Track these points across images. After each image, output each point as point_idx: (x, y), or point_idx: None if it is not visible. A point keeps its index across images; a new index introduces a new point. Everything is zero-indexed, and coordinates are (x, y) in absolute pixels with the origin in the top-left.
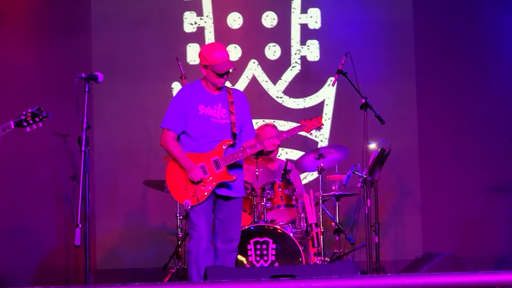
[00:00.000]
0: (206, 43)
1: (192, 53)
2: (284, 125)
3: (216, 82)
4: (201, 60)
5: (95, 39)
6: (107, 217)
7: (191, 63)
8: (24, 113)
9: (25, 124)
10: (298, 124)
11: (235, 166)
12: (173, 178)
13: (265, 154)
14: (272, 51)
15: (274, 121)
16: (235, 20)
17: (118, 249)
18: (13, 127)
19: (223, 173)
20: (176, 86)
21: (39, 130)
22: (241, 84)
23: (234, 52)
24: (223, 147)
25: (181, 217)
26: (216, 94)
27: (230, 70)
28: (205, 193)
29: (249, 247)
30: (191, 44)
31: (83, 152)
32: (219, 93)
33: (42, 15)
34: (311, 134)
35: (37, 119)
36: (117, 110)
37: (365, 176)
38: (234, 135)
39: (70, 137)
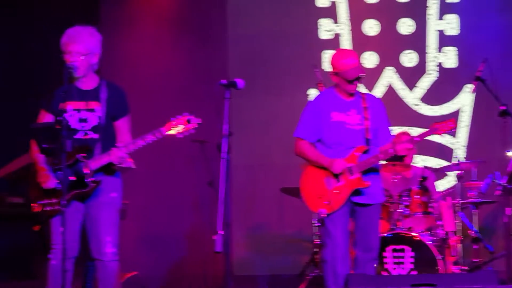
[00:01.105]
0: None
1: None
2: (420, 133)
3: (347, 88)
4: (331, 68)
5: (232, 47)
6: (243, 224)
7: (327, 70)
8: (174, 119)
9: (176, 130)
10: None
11: (370, 171)
12: (308, 187)
13: (398, 160)
14: (409, 58)
15: (410, 129)
16: (371, 27)
17: (254, 256)
18: (164, 133)
19: (357, 180)
20: (312, 93)
21: (177, 137)
22: (378, 92)
23: (371, 59)
24: (357, 153)
25: (317, 224)
26: (349, 100)
27: (361, 76)
28: (340, 201)
29: (385, 254)
30: (327, 51)
31: (223, 159)
32: (352, 99)
33: (181, 23)
34: (449, 133)
35: (188, 125)
36: (253, 116)
37: (504, 184)
38: (367, 141)
39: (207, 143)
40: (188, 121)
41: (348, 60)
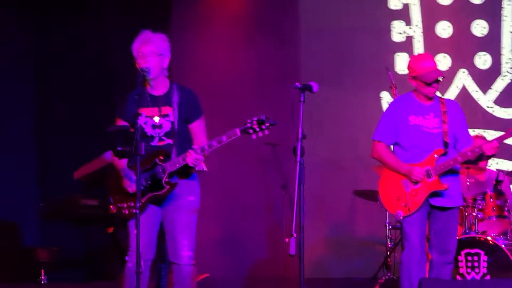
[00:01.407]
0: (415, 52)
1: (401, 63)
2: (494, 135)
3: (426, 92)
4: (409, 72)
5: (304, 50)
6: (315, 227)
7: (400, 72)
8: (249, 120)
9: (251, 131)
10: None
11: (449, 173)
12: (386, 189)
13: (472, 163)
14: (483, 60)
15: (484, 131)
16: (444, 29)
17: (326, 259)
18: (239, 134)
19: (434, 182)
20: (385, 96)
21: (248, 139)
22: (451, 94)
23: (444, 61)
24: (435, 156)
25: (390, 227)
26: (428, 104)
27: (440, 79)
28: (417, 203)
29: (460, 258)
30: (399, 54)
31: (298, 162)
32: (431, 103)
33: (253, 24)
34: None
35: (263, 127)
36: (326, 119)
37: None
38: (446, 144)
39: (280, 146)
40: (263, 122)
41: (426, 63)
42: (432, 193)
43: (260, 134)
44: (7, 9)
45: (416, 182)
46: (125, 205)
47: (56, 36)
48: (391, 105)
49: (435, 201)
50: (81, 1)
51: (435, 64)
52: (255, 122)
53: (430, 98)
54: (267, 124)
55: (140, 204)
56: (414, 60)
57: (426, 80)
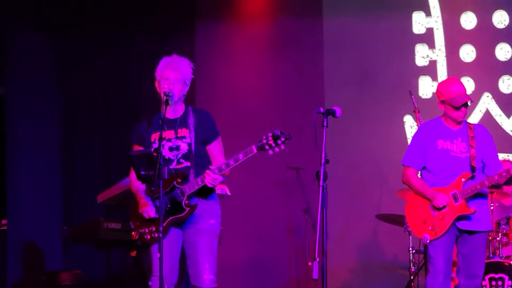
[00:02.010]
0: (438, 76)
1: (424, 87)
2: None
3: (454, 116)
4: (438, 96)
5: (327, 74)
6: (338, 251)
7: (423, 96)
8: (264, 136)
9: (267, 147)
10: None
11: (476, 197)
12: (413, 212)
13: (496, 187)
14: (506, 84)
15: (508, 155)
16: (468, 53)
17: (349, 283)
18: (255, 151)
19: (461, 206)
20: (408, 120)
21: (271, 163)
22: (474, 118)
23: (467, 85)
24: (462, 180)
25: (413, 251)
26: (456, 129)
27: (468, 103)
28: (444, 227)
29: (484, 283)
30: (423, 77)
31: (321, 187)
32: (459, 127)
33: (276, 48)
34: None
35: (279, 142)
36: (349, 143)
37: None
38: (473, 169)
39: (303, 170)
40: (278, 137)
41: (454, 87)
42: (460, 216)
43: (277, 149)
44: (28, 45)
45: (439, 208)
46: (147, 230)
47: (79, 60)
48: (419, 130)
49: (463, 225)
50: (101, 29)
51: (464, 89)
52: (270, 138)
53: (458, 123)
54: (283, 139)
55: (163, 229)
56: (443, 85)
57: (455, 104)
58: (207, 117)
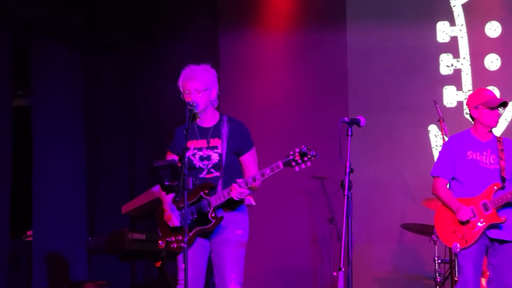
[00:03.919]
0: (463, 85)
1: (449, 96)
2: None
3: (489, 120)
4: (470, 105)
5: (350, 83)
6: (363, 260)
7: (447, 106)
8: (291, 152)
9: (293, 164)
10: None
11: (507, 206)
12: (442, 222)
13: None
14: None
15: None
16: (492, 62)
17: None
18: (282, 167)
19: (491, 215)
20: (433, 129)
21: (295, 173)
22: (500, 127)
23: None
24: (494, 188)
25: (439, 261)
26: (485, 141)
27: (505, 102)
28: (475, 235)
29: None
30: (447, 87)
31: (346, 196)
32: (488, 140)
33: (300, 58)
34: None
35: (305, 158)
36: (372, 153)
37: None
38: (503, 179)
39: (327, 180)
40: (305, 154)
41: (489, 92)
42: (490, 225)
43: (303, 166)
44: (57, 51)
45: (462, 223)
46: (173, 239)
47: (106, 75)
48: (448, 141)
49: (493, 234)
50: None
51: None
52: (297, 154)
53: (489, 131)
54: (309, 156)
55: (188, 238)
56: (475, 93)
57: (491, 104)
58: (242, 127)
